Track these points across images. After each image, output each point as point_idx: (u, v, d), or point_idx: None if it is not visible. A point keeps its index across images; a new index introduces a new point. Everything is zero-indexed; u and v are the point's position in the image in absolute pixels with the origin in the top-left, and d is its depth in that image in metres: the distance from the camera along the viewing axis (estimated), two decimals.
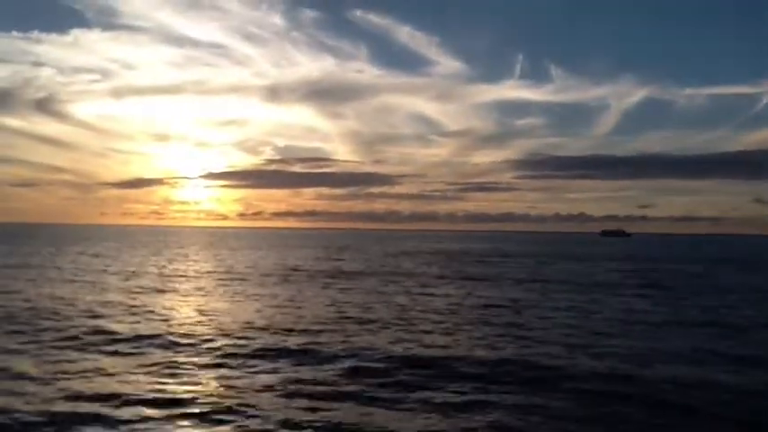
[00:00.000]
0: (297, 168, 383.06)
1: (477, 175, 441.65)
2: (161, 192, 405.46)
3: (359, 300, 22.18)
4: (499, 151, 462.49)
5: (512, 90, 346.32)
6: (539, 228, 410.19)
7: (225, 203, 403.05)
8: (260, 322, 16.65)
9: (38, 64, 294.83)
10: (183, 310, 19.04)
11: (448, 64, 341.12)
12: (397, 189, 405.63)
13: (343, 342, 14.01)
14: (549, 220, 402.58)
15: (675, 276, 36.66)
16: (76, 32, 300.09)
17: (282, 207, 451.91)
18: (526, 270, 40.52)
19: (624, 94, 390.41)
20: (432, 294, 24.25)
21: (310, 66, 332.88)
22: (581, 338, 14.91)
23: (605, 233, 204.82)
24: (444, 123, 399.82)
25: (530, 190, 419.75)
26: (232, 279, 30.61)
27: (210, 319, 17.12)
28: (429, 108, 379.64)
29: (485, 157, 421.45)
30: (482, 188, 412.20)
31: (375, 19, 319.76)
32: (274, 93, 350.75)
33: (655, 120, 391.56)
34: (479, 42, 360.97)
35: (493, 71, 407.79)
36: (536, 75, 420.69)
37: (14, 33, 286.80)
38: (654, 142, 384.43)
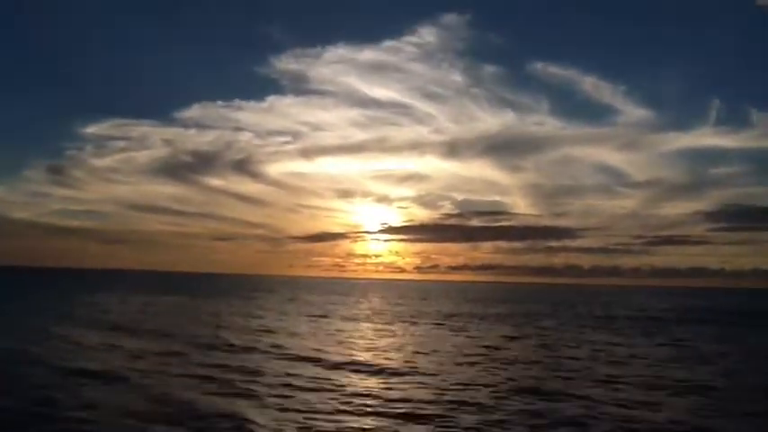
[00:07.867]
0: (475, 222, 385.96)
1: (666, 227, 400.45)
2: (344, 245, 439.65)
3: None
4: (690, 202, 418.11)
5: (705, 137, 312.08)
6: (734, 284, 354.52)
7: (403, 257, 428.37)
8: None
9: (238, 129, 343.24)
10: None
11: (634, 112, 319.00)
12: (578, 242, 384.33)
13: None
14: (747, 275, 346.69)
15: None
16: (272, 99, 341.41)
17: (459, 260, 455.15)
18: None
19: None
20: None
21: (490, 121, 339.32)
22: None
23: None
24: (630, 174, 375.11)
25: (724, 243, 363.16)
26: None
27: None
28: (614, 158, 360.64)
29: (674, 209, 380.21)
30: (671, 241, 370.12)
31: (557, 71, 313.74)
32: (453, 148, 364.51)
33: None
34: (669, 88, 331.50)
35: (684, 117, 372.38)
36: (734, 120, 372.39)
37: (219, 102, 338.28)
38: None
